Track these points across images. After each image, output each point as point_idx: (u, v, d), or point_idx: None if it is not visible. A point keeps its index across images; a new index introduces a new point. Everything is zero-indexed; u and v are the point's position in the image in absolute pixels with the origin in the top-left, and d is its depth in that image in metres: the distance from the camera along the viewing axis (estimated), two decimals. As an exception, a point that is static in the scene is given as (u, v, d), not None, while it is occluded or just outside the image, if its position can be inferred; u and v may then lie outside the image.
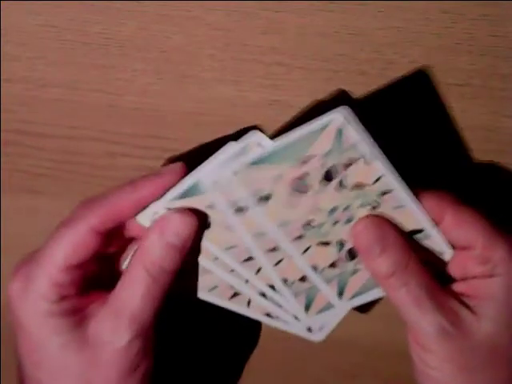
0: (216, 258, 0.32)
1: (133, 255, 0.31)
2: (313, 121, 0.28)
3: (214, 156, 0.30)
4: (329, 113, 0.28)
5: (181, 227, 0.30)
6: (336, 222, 0.31)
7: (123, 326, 0.30)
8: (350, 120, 0.28)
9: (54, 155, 0.39)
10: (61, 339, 0.30)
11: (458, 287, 0.31)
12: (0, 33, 0.35)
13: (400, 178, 0.30)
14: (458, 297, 0.30)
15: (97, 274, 0.32)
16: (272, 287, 0.33)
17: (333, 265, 0.32)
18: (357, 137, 0.28)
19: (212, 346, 0.42)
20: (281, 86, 0.35)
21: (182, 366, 0.41)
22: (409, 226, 0.31)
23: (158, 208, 0.31)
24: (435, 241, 0.31)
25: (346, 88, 0.35)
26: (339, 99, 0.35)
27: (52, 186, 0.39)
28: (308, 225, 0.31)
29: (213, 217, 0.31)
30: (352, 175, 0.29)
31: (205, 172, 0.30)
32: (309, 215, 0.31)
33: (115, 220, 0.30)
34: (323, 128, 0.28)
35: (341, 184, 0.30)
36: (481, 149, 0.36)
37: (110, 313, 0.30)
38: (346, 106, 0.28)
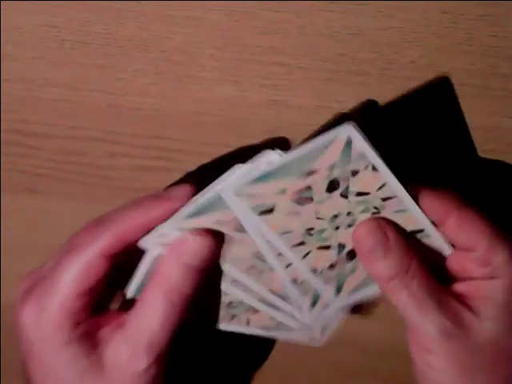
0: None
1: (151, 277, 0.30)
2: (320, 136, 0.28)
3: (222, 177, 0.30)
4: (336, 127, 0.28)
5: (198, 248, 0.30)
6: (337, 227, 0.31)
7: (141, 352, 0.29)
8: (357, 132, 0.28)
9: (54, 155, 0.39)
10: (79, 367, 0.29)
11: (458, 288, 0.31)
12: (0, 33, 0.35)
13: (402, 185, 0.30)
14: (459, 298, 0.30)
15: (105, 294, 0.32)
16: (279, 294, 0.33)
17: (332, 266, 0.32)
18: (364, 148, 0.28)
19: (212, 348, 0.42)
20: (281, 86, 0.35)
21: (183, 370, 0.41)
22: (409, 227, 0.31)
23: (166, 230, 0.30)
24: (435, 240, 0.31)
25: (346, 88, 0.35)
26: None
27: (52, 186, 0.39)
28: (308, 232, 0.31)
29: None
30: (356, 184, 0.29)
31: (212, 192, 0.29)
32: (310, 223, 0.31)
33: (123, 243, 0.30)
34: (330, 142, 0.28)
35: (344, 192, 0.30)
36: (481, 149, 0.36)
37: (127, 339, 0.30)
38: (352, 121, 0.28)
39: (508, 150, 0.36)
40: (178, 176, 0.38)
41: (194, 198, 0.30)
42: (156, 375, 0.30)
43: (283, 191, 0.29)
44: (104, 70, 0.36)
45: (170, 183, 0.38)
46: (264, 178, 0.29)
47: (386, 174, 0.29)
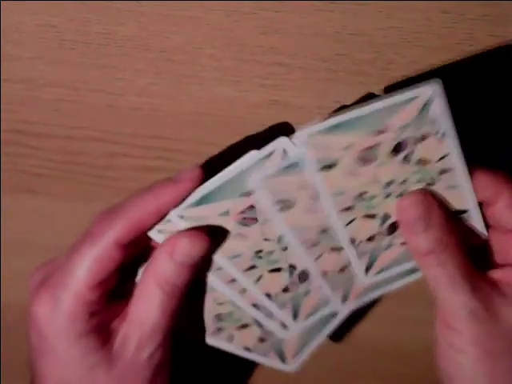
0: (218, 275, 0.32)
1: (144, 270, 0.31)
2: (401, 91, 0.28)
3: (234, 165, 0.29)
4: (420, 85, 0.28)
5: (191, 250, 0.30)
6: (388, 195, 0.31)
7: (144, 339, 0.30)
8: (438, 95, 0.28)
9: (54, 155, 0.39)
10: (90, 360, 0.30)
11: (493, 274, 0.31)
12: (0, 33, 0.35)
13: (464, 159, 0.29)
14: (493, 282, 0.31)
15: (116, 284, 0.32)
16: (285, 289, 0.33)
17: (371, 238, 0.32)
18: (440, 113, 0.28)
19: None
20: (281, 86, 0.35)
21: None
22: (455, 205, 0.31)
23: (170, 216, 0.30)
24: (475, 222, 0.31)
25: (346, 88, 0.35)
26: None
27: (52, 186, 0.39)
28: (360, 196, 0.30)
29: (224, 226, 0.31)
30: (420, 150, 0.29)
31: (225, 179, 0.29)
32: (365, 187, 0.30)
33: (138, 230, 0.30)
34: (410, 100, 0.28)
35: (406, 158, 0.29)
36: (481, 149, 0.36)
37: (132, 328, 0.30)
38: (439, 80, 0.27)
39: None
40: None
41: (202, 186, 0.30)
42: (160, 362, 0.31)
43: (351, 145, 0.29)
44: (104, 70, 0.36)
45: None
46: (334, 129, 0.28)
47: (452, 143, 0.29)
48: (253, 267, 0.32)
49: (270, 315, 0.34)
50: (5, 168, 0.39)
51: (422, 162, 0.30)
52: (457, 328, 0.30)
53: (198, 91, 0.36)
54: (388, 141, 0.29)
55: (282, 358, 0.35)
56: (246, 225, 0.30)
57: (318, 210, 0.30)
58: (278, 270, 0.32)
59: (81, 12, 0.34)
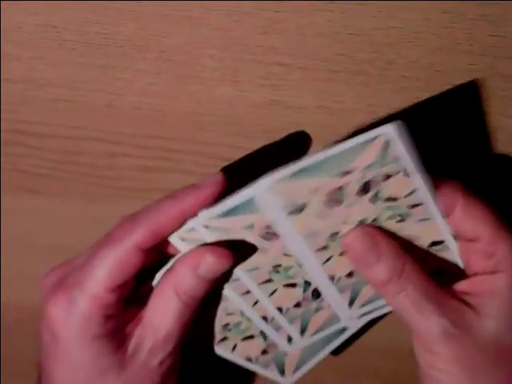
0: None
1: (164, 278, 0.31)
2: (362, 134, 0.28)
3: (264, 177, 0.29)
4: (380, 127, 0.28)
5: (215, 266, 0.30)
6: None
7: (158, 346, 0.30)
8: (399, 134, 0.28)
9: (54, 155, 0.39)
10: (103, 363, 0.30)
11: (460, 285, 0.31)
12: (0, 33, 0.35)
13: (433, 191, 0.29)
14: (459, 296, 0.30)
15: (133, 289, 0.32)
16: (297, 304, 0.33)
17: (350, 274, 0.32)
18: (402, 151, 0.28)
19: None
20: (281, 86, 0.35)
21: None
22: (430, 237, 0.31)
23: (195, 225, 0.30)
24: (453, 253, 0.31)
25: (346, 88, 0.35)
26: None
27: (52, 186, 0.39)
28: (333, 236, 0.31)
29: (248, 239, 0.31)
30: (387, 188, 0.29)
31: (244, 194, 0.29)
32: (336, 227, 0.30)
33: (159, 235, 0.30)
34: (371, 141, 0.28)
35: (375, 196, 0.29)
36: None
37: (146, 334, 0.30)
38: (400, 121, 0.28)
39: (508, 150, 0.36)
40: (177, 176, 0.38)
41: (226, 198, 0.29)
42: (170, 369, 0.31)
43: (317, 189, 0.29)
44: (104, 70, 0.36)
45: (169, 183, 0.38)
46: (299, 175, 0.28)
47: (418, 179, 0.29)
48: (269, 281, 0.32)
49: (278, 329, 0.34)
50: (5, 168, 0.39)
51: (390, 199, 0.30)
52: (433, 350, 0.30)
53: (197, 91, 0.36)
54: (354, 182, 0.29)
55: (282, 372, 0.36)
56: (267, 239, 0.30)
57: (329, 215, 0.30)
58: (293, 285, 0.32)
59: (81, 12, 0.34)
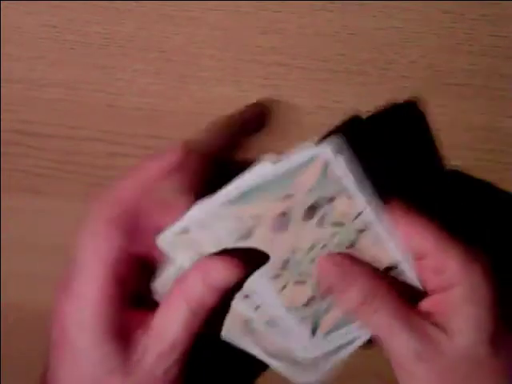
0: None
1: (174, 286, 0.31)
2: (298, 153, 0.27)
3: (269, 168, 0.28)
4: (317, 146, 0.27)
5: (226, 277, 0.30)
6: (313, 260, 0.30)
7: (164, 354, 0.30)
8: (337, 154, 0.27)
9: (54, 155, 0.39)
10: (109, 364, 0.30)
11: (425, 305, 0.30)
12: (0, 33, 0.35)
13: (380, 213, 0.29)
14: (428, 316, 0.30)
15: (138, 291, 0.32)
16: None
17: (307, 304, 0.32)
18: (342, 172, 0.28)
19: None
20: (281, 86, 0.35)
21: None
22: (384, 261, 0.30)
23: (188, 223, 0.29)
24: (409, 276, 0.31)
25: (346, 88, 0.35)
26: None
27: (52, 185, 0.39)
28: (286, 263, 0.30)
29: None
30: (333, 212, 0.29)
31: (259, 182, 0.28)
32: (287, 254, 0.30)
33: (126, 206, 0.30)
34: (310, 161, 0.27)
35: (322, 220, 0.29)
36: (481, 149, 0.36)
37: (153, 341, 0.30)
38: (336, 139, 0.27)
39: (508, 150, 0.36)
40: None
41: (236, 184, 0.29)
42: (175, 378, 0.31)
43: (261, 215, 0.28)
44: (104, 70, 0.36)
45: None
46: (239, 199, 0.28)
47: (362, 201, 0.28)
48: (278, 276, 0.31)
49: (288, 329, 0.33)
50: (5, 168, 0.39)
51: (337, 224, 0.29)
52: (407, 369, 0.30)
53: (197, 91, 0.36)
54: (298, 205, 0.28)
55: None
56: (277, 230, 0.30)
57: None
58: (303, 282, 0.31)
59: (81, 12, 0.34)
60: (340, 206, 0.29)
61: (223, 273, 0.30)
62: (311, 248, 0.30)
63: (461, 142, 0.36)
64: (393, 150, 0.36)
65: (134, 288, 0.31)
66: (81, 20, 0.35)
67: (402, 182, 0.36)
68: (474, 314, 0.29)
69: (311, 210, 0.29)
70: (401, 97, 0.35)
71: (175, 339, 0.30)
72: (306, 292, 0.31)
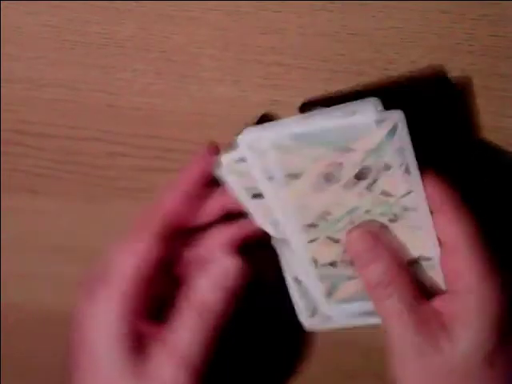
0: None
1: (185, 297, 0.31)
2: (367, 112, 0.28)
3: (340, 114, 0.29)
4: (388, 111, 0.28)
5: (232, 271, 0.31)
6: (352, 223, 0.31)
7: (181, 369, 0.30)
8: (404, 124, 0.28)
9: (54, 155, 0.39)
10: (124, 370, 0.30)
11: (436, 303, 0.31)
12: (0, 33, 0.35)
13: (427, 202, 0.29)
14: (437, 315, 0.30)
15: (160, 300, 0.32)
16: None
17: (332, 264, 0.32)
18: (406, 143, 0.28)
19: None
20: (281, 86, 0.35)
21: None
22: (418, 250, 0.31)
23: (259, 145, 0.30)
24: (436, 273, 0.31)
25: (346, 88, 0.35)
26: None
27: (52, 186, 0.39)
28: (325, 216, 0.30)
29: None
30: (383, 181, 0.29)
31: (327, 126, 0.29)
32: (329, 207, 0.30)
33: (172, 220, 0.32)
34: (378, 123, 0.28)
35: (371, 186, 0.29)
36: (481, 149, 0.36)
37: (169, 356, 0.30)
38: (400, 110, 0.28)
39: (508, 150, 0.36)
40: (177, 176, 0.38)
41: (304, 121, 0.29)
42: None
43: (317, 159, 0.29)
44: (104, 70, 0.36)
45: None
46: (302, 137, 0.28)
47: (416, 181, 0.29)
48: (313, 226, 0.31)
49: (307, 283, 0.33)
50: (5, 168, 0.39)
51: (385, 193, 0.29)
52: (405, 361, 0.30)
53: (197, 91, 0.36)
54: (354, 162, 0.29)
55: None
56: (327, 180, 0.30)
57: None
58: (335, 240, 0.31)
59: (81, 12, 0.34)
60: (393, 176, 0.29)
61: (229, 268, 0.31)
62: (354, 209, 0.30)
63: (461, 142, 0.36)
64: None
65: (156, 301, 0.32)
66: (81, 20, 0.35)
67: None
68: (479, 327, 0.29)
69: (365, 171, 0.29)
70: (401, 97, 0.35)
71: (189, 354, 0.30)
72: (334, 252, 0.31)
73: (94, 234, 0.40)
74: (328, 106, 0.29)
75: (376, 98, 0.28)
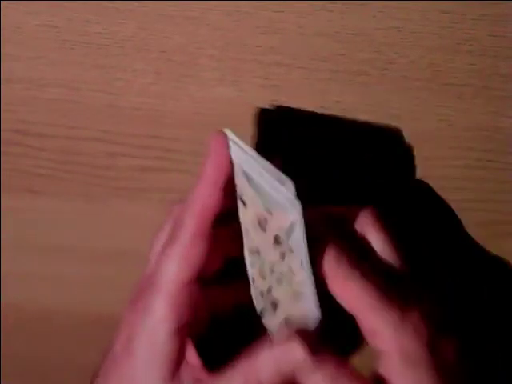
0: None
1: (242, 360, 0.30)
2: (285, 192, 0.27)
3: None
4: (287, 201, 0.27)
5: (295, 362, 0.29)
6: (273, 272, 0.30)
7: None
8: (301, 224, 0.27)
9: (54, 155, 0.39)
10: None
11: (376, 371, 0.30)
12: (0, 33, 0.35)
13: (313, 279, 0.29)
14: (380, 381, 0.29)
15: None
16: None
17: (262, 293, 0.32)
18: (300, 242, 0.28)
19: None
20: (281, 86, 0.35)
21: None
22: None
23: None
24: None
25: (346, 88, 0.35)
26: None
27: (52, 186, 0.39)
28: (258, 251, 0.31)
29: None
30: (291, 258, 0.29)
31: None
32: (260, 247, 0.31)
33: (209, 219, 0.30)
34: (280, 207, 0.28)
35: (284, 255, 0.29)
36: (481, 149, 0.36)
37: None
38: (299, 205, 0.27)
39: (508, 150, 0.36)
40: (177, 176, 0.38)
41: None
42: None
43: (253, 203, 0.29)
44: (104, 70, 0.36)
45: (169, 183, 0.38)
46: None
47: (307, 273, 0.28)
48: (255, 252, 0.31)
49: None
50: (5, 168, 0.39)
51: (291, 271, 0.29)
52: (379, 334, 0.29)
53: (197, 91, 0.36)
54: (272, 226, 0.29)
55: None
56: (260, 225, 0.30)
57: None
58: (263, 277, 0.31)
59: (81, 12, 0.34)
60: (296, 260, 0.29)
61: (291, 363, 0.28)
62: (274, 264, 0.30)
63: (461, 142, 0.36)
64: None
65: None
66: (81, 20, 0.35)
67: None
68: (413, 377, 0.28)
69: (280, 240, 0.29)
70: (401, 97, 0.35)
71: None
72: (264, 284, 0.31)
73: (93, 234, 0.40)
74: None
75: (292, 183, 0.27)
